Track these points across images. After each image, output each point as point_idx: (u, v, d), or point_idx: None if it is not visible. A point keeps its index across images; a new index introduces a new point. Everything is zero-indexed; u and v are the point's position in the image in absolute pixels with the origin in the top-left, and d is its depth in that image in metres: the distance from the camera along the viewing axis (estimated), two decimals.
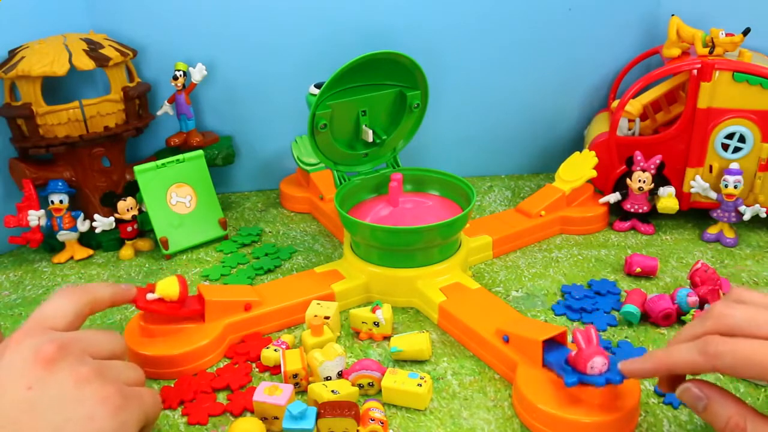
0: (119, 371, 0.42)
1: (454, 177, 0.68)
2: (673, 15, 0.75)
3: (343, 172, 0.68)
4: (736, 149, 0.71)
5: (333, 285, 0.61)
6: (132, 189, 0.74)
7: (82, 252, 0.74)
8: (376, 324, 0.57)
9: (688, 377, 0.43)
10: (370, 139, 0.66)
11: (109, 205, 0.73)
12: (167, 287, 0.54)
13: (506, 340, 0.52)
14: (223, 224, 0.76)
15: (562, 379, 0.45)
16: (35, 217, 0.70)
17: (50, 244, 0.74)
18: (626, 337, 0.57)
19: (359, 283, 0.62)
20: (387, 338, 0.57)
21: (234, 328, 0.57)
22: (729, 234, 0.71)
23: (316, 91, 0.62)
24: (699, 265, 0.62)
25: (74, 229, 0.73)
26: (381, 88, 0.66)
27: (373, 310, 0.57)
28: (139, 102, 0.77)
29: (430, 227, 0.59)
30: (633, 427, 0.47)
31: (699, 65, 0.70)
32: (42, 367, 0.38)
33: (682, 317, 0.58)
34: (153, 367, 0.53)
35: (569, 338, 0.51)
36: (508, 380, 0.52)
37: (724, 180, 0.70)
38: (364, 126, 0.66)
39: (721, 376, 0.52)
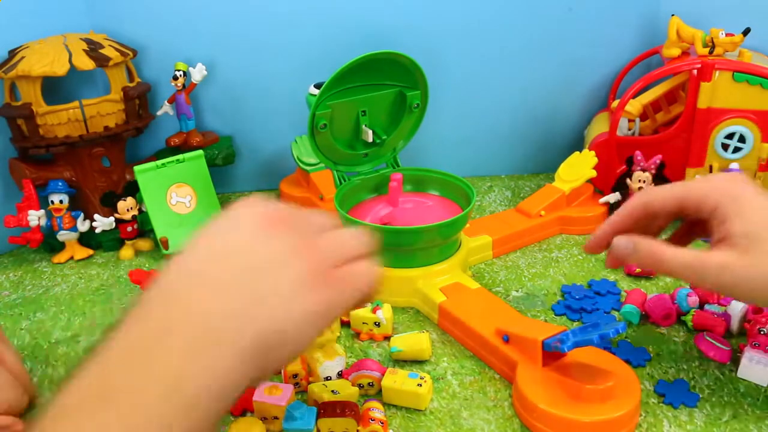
0: (337, 250, 0.41)
1: (453, 177, 0.68)
2: (673, 15, 0.75)
3: (343, 172, 0.68)
4: (736, 149, 0.71)
5: None
6: (132, 189, 0.74)
7: (82, 252, 0.74)
8: (377, 324, 0.57)
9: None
10: (370, 139, 0.66)
11: (109, 205, 0.73)
12: None
13: (506, 339, 0.52)
14: None
15: (560, 349, 0.46)
16: (35, 217, 0.70)
17: (50, 244, 0.74)
18: (626, 337, 0.57)
19: None
20: (387, 338, 0.57)
21: None
22: None
23: (316, 92, 0.62)
24: None
25: (74, 229, 0.73)
26: (381, 88, 0.66)
27: (374, 311, 0.57)
28: (139, 102, 0.77)
29: (429, 227, 0.59)
30: (633, 426, 0.47)
31: (699, 65, 0.70)
32: (269, 228, 0.40)
33: (682, 317, 0.58)
34: None
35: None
36: (508, 380, 0.52)
37: None
38: (364, 126, 0.66)
39: (721, 376, 0.52)
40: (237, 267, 0.38)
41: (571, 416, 0.45)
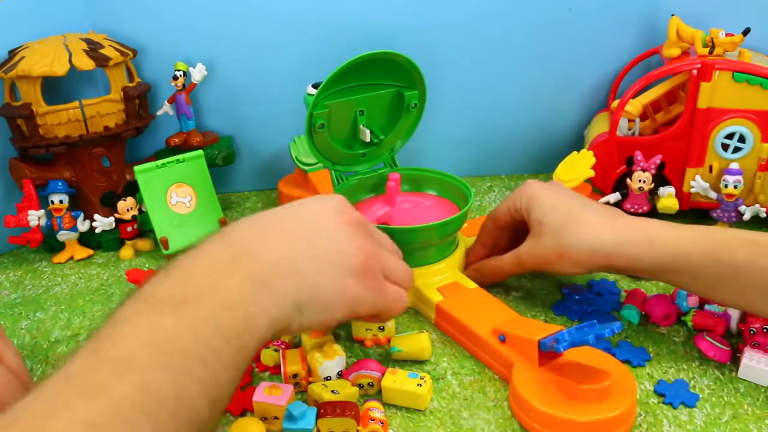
0: (391, 268, 0.49)
1: (451, 177, 0.68)
2: (673, 15, 0.75)
3: (341, 171, 0.68)
4: (736, 149, 0.71)
5: None
6: (132, 189, 0.74)
7: (82, 252, 0.74)
8: (381, 328, 0.56)
9: None
10: (368, 139, 0.66)
11: (109, 205, 0.73)
12: None
13: (503, 339, 0.52)
14: (223, 224, 0.76)
15: (555, 348, 0.46)
16: (35, 217, 0.70)
17: (50, 244, 0.74)
18: (626, 337, 0.57)
19: None
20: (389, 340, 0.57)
21: None
22: None
23: (314, 91, 0.62)
24: None
25: (74, 229, 0.73)
26: (379, 88, 0.66)
27: None
28: (139, 102, 0.77)
29: (427, 227, 0.59)
30: (629, 426, 0.47)
31: (699, 65, 0.70)
32: (344, 219, 0.47)
33: (682, 317, 0.58)
34: None
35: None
36: (505, 380, 0.52)
37: (724, 180, 0.70)
38: (361, 126, 0.66)
39: (721, 376, 0.52)
40: (308, 229, 0.45)
41: (567, 416, 0.45)
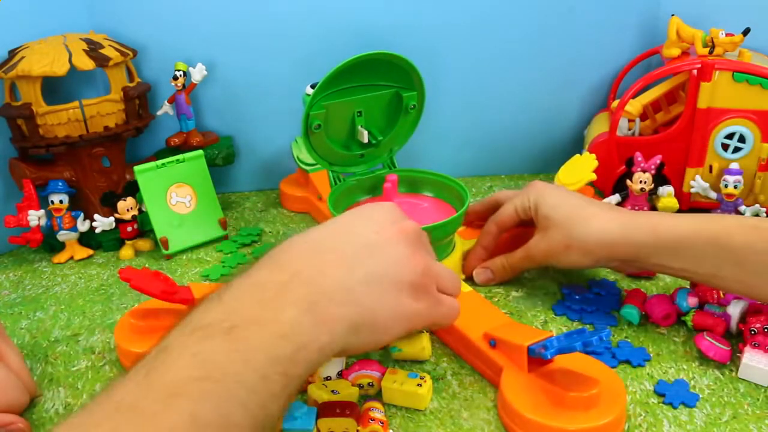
0: (442, 278, 0.47)
1: (448, 178, 0.67)
2: (673, 15, 0.75)
3: (339, 172, 0.68)
4: (736, 149, 0.71)
5: None
6: (132, 189, 0.74)
7: (82, 252, 0.74)
8: None
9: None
10: (366, 140, 0.66)
11: (109, 205, 0.73)
12: None
13: (493, 344, 0.52)
14: (223, 224, 0.76)
15: (543, 355, 0.46)
16: (35, 217, 0.70)
17: (50, 244, 0.74)
18: (626, 337, 0.57)
19: None
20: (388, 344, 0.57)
21: None
22: None
23: (312, 92, 0.62)
24: None
25: (74, 229, 0.73)
26: (377, 89, 0.66)
27: None
28: (139, 102, 0.77)
29: (423, 229, 0.59)
30: None
31: (699, 65, 0.70)
32: (397, 231, 0.45)
33: (682, 317, 0.58)
34: None
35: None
36: (495, 385, 0.51)
37: (724, 180, 0.70)
38: (359, 127, 0.66)
39: (721, 376, 0.52)
40: (359, 247, 0.43)
41: (554, 423, 0.45)
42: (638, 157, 0.71)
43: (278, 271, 0.41)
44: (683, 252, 0.53)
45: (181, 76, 0.77)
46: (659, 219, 0.55)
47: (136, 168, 0.72)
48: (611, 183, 0.76)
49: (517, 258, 0.63)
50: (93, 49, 0.72)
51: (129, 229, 0.73)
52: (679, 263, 0.54)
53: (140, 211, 0.74)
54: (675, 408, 0.49)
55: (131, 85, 0.76)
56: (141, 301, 0.61)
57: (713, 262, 0.52)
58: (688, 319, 0.57)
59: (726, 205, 0.71)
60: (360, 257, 0.43)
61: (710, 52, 0.71)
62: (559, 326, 0.59)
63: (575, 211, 0.58)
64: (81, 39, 0.73)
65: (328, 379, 0.51)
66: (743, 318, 0.55)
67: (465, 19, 0.81)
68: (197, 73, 0.78)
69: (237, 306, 0.38)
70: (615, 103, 0.77)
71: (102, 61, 0.71)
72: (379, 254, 0.43)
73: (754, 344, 0.52)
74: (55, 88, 0.73)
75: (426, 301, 0.45)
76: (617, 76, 0.84)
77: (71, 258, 0.73)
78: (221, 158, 0.81)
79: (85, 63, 0.70)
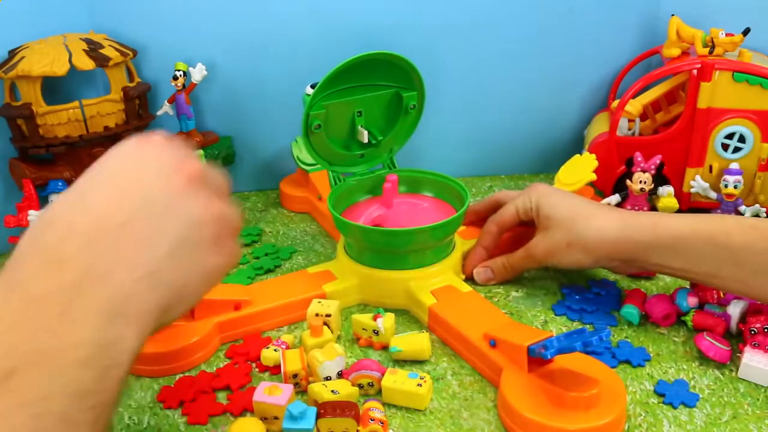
0: (231, 217, 0.42)
1: (448, 178, 0.67)
2: (673, 15, 0.75)
3: (339, 172, 0.68)
4: (736, 149, 0.71)
5: (324, 285, 0.61)
6: None
7: None
8: (376, 332, 0.56)
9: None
10: (366, 140, 0.66)
11: None
12: None
13: (493, 344, 0.52)
14: None
15: (543, 355, 0.46)
16: (35, 217, 0.70)
17: None
18: (626, 337, 0.57)
19: (351, 284, 0.62)
20: (385, 348, 0.57)
21: (224, 327, 0.58)
22: None
23: (312, 92, 0.62)
24: None
25: None
26: (377, 89, 0.66)
27: (374, 318, 0.56)
28: (139, 102, 0.77)
29: (421, 229, 0.59)
30: None
31: (699, 65, 0.70)
32: (185, 179, 0.38)
33: (682, 317, 0.58)
34: (143, 364, 0.54)
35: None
36: (495, 385, 0.51)
37: (724, 180, 0.70)
38: (359, 127, 0.66)
39: (721, 376, 0.52)
40: (152, 211, 0.36)
41: (554, 424, 0.45)
42: (638, 157, 0.71)
43: (59, 269, 0.32)
44: (682, 251, 0.53)
45: (181, 76, 0.77)
46: (659, 218, 0.56)
47: None
48: (611, 183, 0.76)
49: (518, 258, 0.63)
50: (93, 49, 0.71)
51: None
52: (678, 263, 0.54)
53: None
54: (675, 408, 0.49)
55: (131, 85, 0.76)
56: None
57: (712, 262, 0.52)
58: (688, 319, 0.57)
59: (726, 205, 0.71)
60: (157, 225, 0.35)
61: (710, 52, 0.71)
62: (559, 326, 0.59)
63: (576, 210, 0.59)
64: (81, 39, 0.73)
65: (328, 379, 0.51)
66: (743, 318, 0.56)
67: (465, 19, 0.81)
68: (197, 73, 0.78)
69: (13, 338, 0.29)
70: (615, 103, 0.77)
71: (102, 61, 0.71)
72: (176, 215, 0.37)
73: (754, 344, 0.52)
74: (55, 88, 0.73)
75: (225, 250, 0.40)
76: (617, 76, 0.84)
77: None
78: (221, 158, 0.81)
79: (85, 63, 0.70)
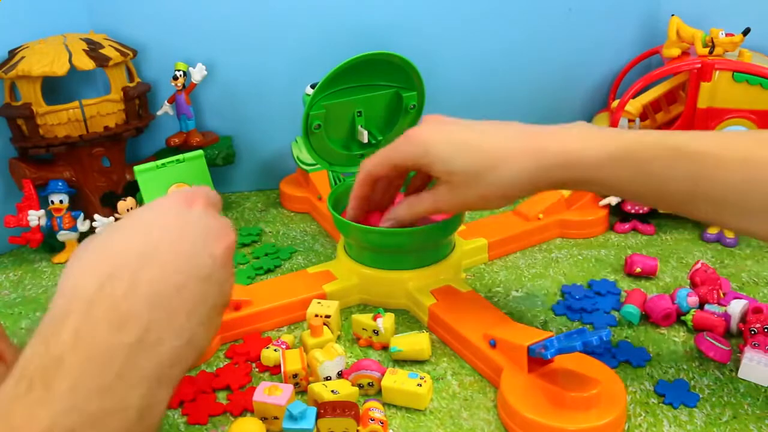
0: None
1: None
2: (673, 15, 0.75)
3: (339, 172, 0.68)
4: None
5: (324, 285, 0.61)
6: (132, 189, 0.74)
7: None
8: (376, 332, 0.56)
9: None
10: (366, 140, 0.66)
11: (109, 205, 0.73)
12: None
13: (493, 344, 0.52)
14: None
15: (543, 355, 0.46)
16: (35, 217, 0.70)
17: (50, 244, 0.74)
18: (626, 337, 0.57)
19: (351, 285, 0.62)
20: (385, 348, 0.57)
21: (224, 327, 0.57)
22: (729, 234, 0.71)
23: (312, 92, 0.62)
24: (699, 266, 0.62)
25: (74, 229, 0.73)
26: (377, 89, 0.66)
27: (374, 318, 0.56)
28: (139, 102, 0.77)
29: (421, 230, 0.59)
30: None
31: (699, 65, 0.70)
32: (226, 249, 0.40)
33: (682, 317, 0.58)
34: None
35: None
36: (495, 385, 0.51)
37: None
38: (359, 127, 0.66)
39: (721, 376, 0.52)
40: (200, 280, 0.37)
41: (553, 424, 0.45)
42: None
43: (123, 327, 0.32)
44: (600, 180, 0.48)
45: (181, 76, 0.77)
46: (571, 145, 0.48)
47: (136, 168, 0.71)
48: None
49: (424, 208, 0.55)
50: (93, 49, 0.72)
51: None
52: (599, 189, 0.52)
53: None
54: (675, 408, 0.49)
55: (131, 85, 0.76)
56: None
57: (633, 186, 0.47)
58: (688, 319, 0.57)
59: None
60: (202, 292, 0.37)
61: (710, 52, 0.71)
62: (559, 326, 0.59)
63: (478, 159, 0.50)
64: (81, 39, 0.73)
65: (328, 379, 0.51)
66: (743, 318, 0.55)
67: (465, 19, 0.81)
68: (197, 73, 0.78)
69: (76, 400, 0.30)
70: (615, 103, 0.77)
71: (102, 61, 0.71)
72: (215, 283, 0.38)
73: (754, 344, 0.52)
74: (55, 88, 0.73)
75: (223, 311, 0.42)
76: (617, 76, 0.84)
77: None
78: (221, 158, 0.81)
79: (85, 63, 0.70)
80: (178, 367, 0.35)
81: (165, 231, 0.38)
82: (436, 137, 0.51)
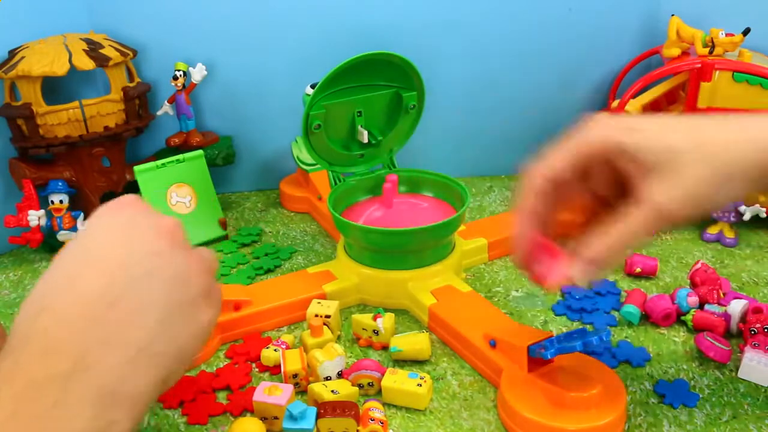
0: (210, 261, 0.41)
1: (447, 178, 0.67)
2: (673, 15, 0.75)
3: (339, 172, 0.68)
4: None
5: (324, 285, 0.61)
6: (132, 189, 0.74)
7: None
8: (376, 332, 0.56)
9: None
10: (366, 140, 0.66)
11: None
12: None
13: (493, 344, 0.52)
14: (223, 224, 0.76)
15: (543, 355, 0.46)
16: (35, 217, 0.70)
17: (50, 244, 0.74)
18: (626, 337, 0.57)
19: (351, 284, 0.62)
20: (385, 348, 0.57)
21: (224, 327, 0.58)
22: (729, 234, 0.71)
23: (312, 92, 0.62)
24: (699, 266, 0.62)
25: (74, 229, 0.73)
26: (377, 89, 0.66)
27: (374, 318, 0.56)
28: (139, 102, 0.77)
29: (421, 229, 0.59)
30: None
31: (699, 65, 0.70)
32: (169, 241, 0.37)
33: (682, 317, 0.58)
34: None
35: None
36: (495, 385, 0.51)
37: None
38: (359, 126, 0.66)
39: (721, 376, 0.52)
40: (146, 283, 0.35)
41: (553, 424, 0.45)
42: None
43: (54, 357, 0.31)
44: None
45: (181, 76, 0.77)
46: None
47: (136, 168, 0.72)
48: None
49: (637, 224, 0.39)
50: (93, 49, 0.72)
51: None
52: None
53: None
54: (675, 408, 0.49)
55: (131, 85, 0.76)
56: None
57: None
58: (688, 319, 0.57)
59: (726, 205, 0.71)
60: (145, 295, 0.35)
61: (710, 52, 0.71)
62: (559, 326, 0.59)
63: (699, 132, 0.38)
64: (81, 39, 0.73)
65: (328, 379, 0.51)
66: (743, 318, 0.55)
67: (465, 19, 0.81)
68: (197, 73, 0.78)
69: (15, 429, 0.29)
70: (615, 103, 0.77)
71: (102, 61, 0.71)
72: (161, 279, 0.35)
73: (754, 344, 0.52)
74: (55, 88, 0.73)
75: (213, 299, 0.39)
76: (617, 76, 0.84)
77: None
78: (221, 158, 0.81)
79: (85, 63, 0.70)
80: (135, 383, 0.33)
81: (94, 247, 0.36)
82: (634, 118, 0.41)
